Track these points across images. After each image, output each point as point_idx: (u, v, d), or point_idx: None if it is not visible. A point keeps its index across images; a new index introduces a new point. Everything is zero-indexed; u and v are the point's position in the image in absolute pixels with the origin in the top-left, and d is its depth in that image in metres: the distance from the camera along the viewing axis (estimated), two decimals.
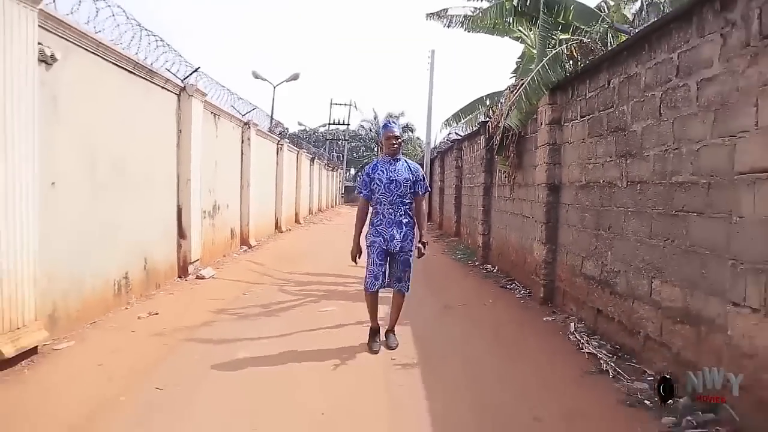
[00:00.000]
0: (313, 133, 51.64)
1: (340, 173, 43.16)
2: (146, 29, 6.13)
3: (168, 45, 6.86)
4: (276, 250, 11.67)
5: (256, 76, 19.25)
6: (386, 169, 4.67)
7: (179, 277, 7.52)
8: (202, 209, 8.41)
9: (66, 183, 4.77)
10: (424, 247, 4.74)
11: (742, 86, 3.09)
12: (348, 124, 45.60)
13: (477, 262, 10.45)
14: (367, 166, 4.87)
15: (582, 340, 5.04)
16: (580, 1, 7.61)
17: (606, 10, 7.46)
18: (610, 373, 4.17)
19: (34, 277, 4.13)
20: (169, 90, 7.21)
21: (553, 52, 6.33)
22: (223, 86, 9.57)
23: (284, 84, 22.67)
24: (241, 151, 11.23)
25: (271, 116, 15.47)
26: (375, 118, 51.06)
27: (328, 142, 45.91)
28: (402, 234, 4.63)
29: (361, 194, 4.78)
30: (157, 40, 6.53)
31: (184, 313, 5.77)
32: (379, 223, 4.69)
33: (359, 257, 4.74)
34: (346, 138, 47.19)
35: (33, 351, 4.09)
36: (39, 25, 4.16)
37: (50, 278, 4.50)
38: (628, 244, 4.69)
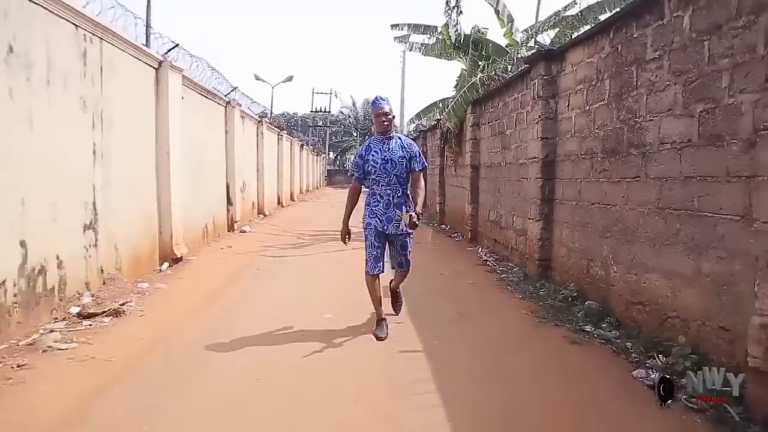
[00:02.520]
0: (298, 119, 54.93)
1: (324, 157, 46.57)
2: (215, 69, 9.64)
3: (219, 73, 10.36)
4: (284, 218, 15.29)
5: (257, 78, 22.62)
6: (380, 149, 4.43)
7: (229, 230, 11.08)
8: (238, 186, 11.97)
9: (183, 169, 8.28)
10: (418, 218, 4.24)
11: (530, 119, 6.79)
12: (329, 111, 48.97)
13: (435, 223, 14.14)
14: (360, 147, 4.67)
15: (484, 256, 8.77)
16: (495, 41, 11.30)
17: (510, 50, 11.09)
18: (490, 265, 7.90)
19: (175, 222, 7.64)
20: (220, 104, 10.71)
21: (472, 80, 9.99)
22: (248, 97, 13.08)
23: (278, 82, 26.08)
24: (257, 142, 14.75)
25: (271, 111, 18.87)
26: (353, 105, 54.46)
27: (310, 128, 49.22)
28: (400, 214, 4.32)
29: (354, 176, 4.55)
30: (217, 76, 10.04)
31: (247, 246, 9.39)
32: (375, 203, 4.45)
33: (348, 239, 4.55)
34: (328, 124, 50.50)
35: (180, 259, 7.63)
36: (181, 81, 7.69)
37: (181, 221, 8.04)
38: (505, 198, 8.40)
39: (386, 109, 4.43)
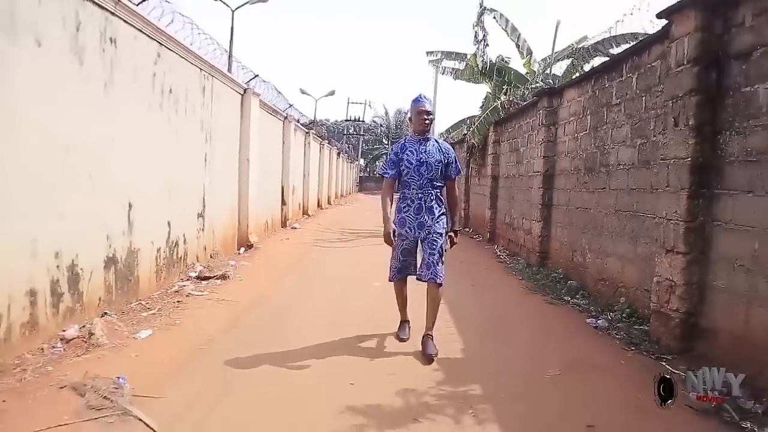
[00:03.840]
0: (330, 126, 57.12)
1: (357, 165, 48.60)
2: (280, 92, 11.59)
3: (282, 94, 12.30)
4: (326, 218, 17.20)
5: (303, 92, 24.74)
6: (416, 149, 4.20)
7: (282, 227, 12.99)
8: (290, 189, 13.90)
9: (255, 173, 10.19)
10: (456, 235, 4.30)
11: (536, 140, 8.51)
12: (363, 120, 50.97)
13: (460, 226, 15.86)
14: (395, 145, 4.45)
15: (499, 252, 10.47)
16: (517, 69, 13.02)
17: (529, 78, 12.78)
18: (503, 259, 9.60)
19: (249, 216, 9.52)
20: (279, 119, 12.66)
21: (495, 104, 11.73)
22: (299, 111, 15.02)
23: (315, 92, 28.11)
24: (304, 151, 16.69)
25: (315, 122, 20.84)
26: (386, 114, 56.49)
27: (344, 136, 51.31)
28: (433, 219, 4.17)
29: (387, 175, 4.27)
30: (278, 95, 11.99)
31: (300, 239, 11.28)
32: (406, 209, 4.23)
33: (395, 237, 4.20)
34: (361, 133, 52.51)
35: (252, 246, 9.50)
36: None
37: (251, 219, 9.92)
38: (518, 204, 10.10)
39: (428, 107, 4.23)
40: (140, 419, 2.77)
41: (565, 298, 6.33)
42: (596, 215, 6.40)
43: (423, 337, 4.21)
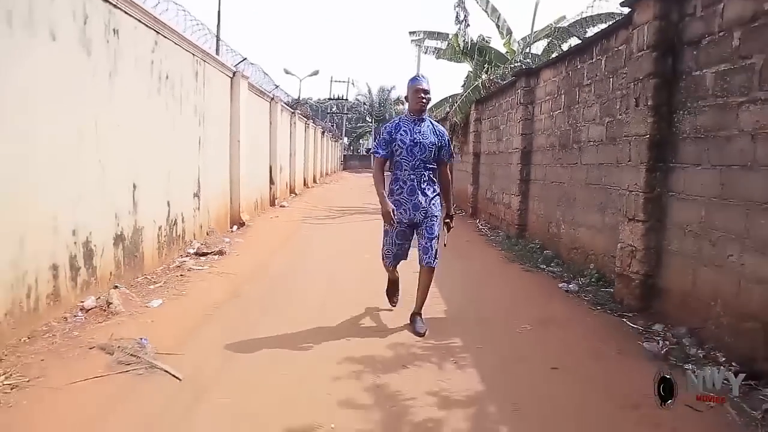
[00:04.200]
0: (314, 104, 57.08)
1: (341, 143, 48.76)
2: (267, 74, 11.84)
3: (269, 76, 12.54)
4: (313, 196, 17.56)
5: (287, 72, 24.89)
6: (410, 129, 4.13)
7: (271, 205, 13.34)
8: (278, 168, 14.22)
9: (245, 154, 10.50)
10: (452, 220, 4.39)
11: (515, 118, 8.94)
12: (346, 99, 51.06)
13: None
14: (388, 124, 4.31)
15: (480, 226, 10.95)
16: (497, 49, 13.37)
17: (509, 57, 13.15)
18: (484, 232, 10.09)
19: (241, 195, 9.88)
20: (266, 100, 12.92)
21: (476, 83, 12.10)
22: (285, 92, 15.27)
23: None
24: (290, 131, 16.96)
25: (299, 101, 21.05)
26: (369, 92, 56.42)
27: (328, 114, 51.36)
28: (427, 201, 4.13)
29: (377, 154, 4.20)
30: (265, 77, 12.24)
31: (289, 217, 11.67)
32: (398, 190, 4.15)
33: (395, 215, 4.08)
34: (345, 111, 52.58)
35: (243, 223, 9.88)
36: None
37: (242, 198, 10.27)
38: (498, 180, 10.55)
39: (425, 86, 4.14)
40: (166, 371, 3.19)
41: (541, 266, 6.82)
42: (569, 189, 6.87)
43: (412, 315, 4.29)
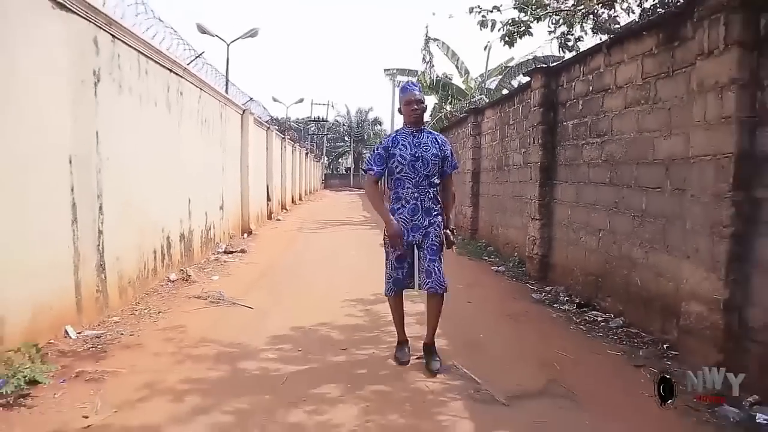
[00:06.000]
0: (292, 124, 59.52)
1: (322, 162, 51.11)
2: (265, 108, 14.15)
3: (267, 110, 14.85)
4: (302, 212, 19.84)
5: (275, 99, 27.30)
6: (409, 143, 3.75)
7: (268, 218, 15.58)
8: (273, 187, 16.49)
9: (251, 175, 12.74)
10: (453, 233, 3.93)
11: (467, 145, 11.39)
12: (326, 121, 53.54)
13: None
14: (384, 139, 3.99)
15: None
16: (458, 85, 15.93)
17: (467, 92, 15.69)
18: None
19: (249, 209, 12.10)
20: (263, 129, 15.23)
21: (440, 114, 14.59)
22: (276, 120, 17.56)
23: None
24: (281, 154, 19.24)
25: (288, 126, 23.38)
26: (348, 113, 59.07)
27: (309, 135, 53.75)
28: (428, 222, 3.76)
29: (371, 171, 3.81)
30: (263, 110, 14.55)
31: (287, 227, 13.92)
32: (400, 210, 3.76)
33: (401, 241, 3.71)
34: (324, 132, 55.03)
35: (251, 232, 12.10)
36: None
37: (249, 212, 12.50)
38: (457, 195, 12.95)
39: (419, 96, 3.82)
40: (243, 305, 5.47)
41: (484, 257, 9.21)
42: (503, 200, 9.30)
43: (424, 346, 3.95)
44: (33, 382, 3.24)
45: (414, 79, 17.18)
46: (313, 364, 3.91)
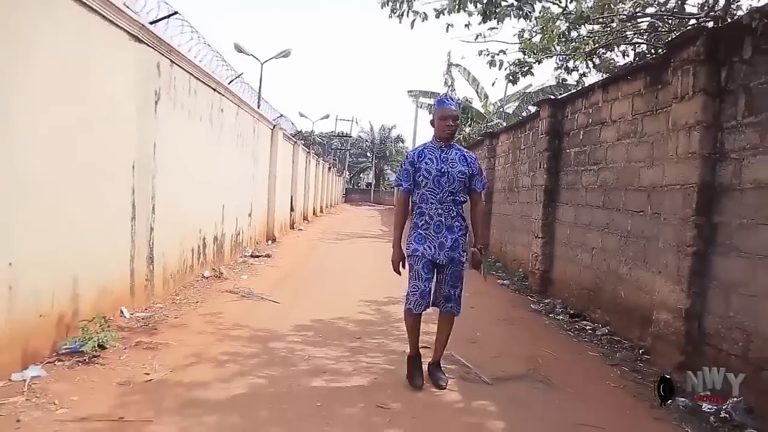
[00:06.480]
0: (316, 137, 60.75)
1: (344, 177, 52.11)
2: (293, 123, 15.00)
3: (294, 125, 15.70)
4: (322, 224, 20.62)
5: (302, 115, 28.26)
6: (436, 157, 3.69)
7: (291, 228, 16.35)
8: (296, 199, 17.30)
9: (277, 187, 13.55)
10: (481, 252, 3.86)
11: (483, 167, 12.07)
12: (350, 136, 54.63)
13: None
14: (411, 152, 3.90)
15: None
16: (478, 108, 16.64)
17: (486, 116, 16.39)
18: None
19: (275, 218, 12.88)
20: (290, 143, 16.07)
21: (459, 136, 15.27)
22: (302, 133, 18.43)
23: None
24: (305, 168, 20.09)
25: (312, 140, 24.29)
26: (371, 130, 60.18)
27: (332, 150, 54.84)
28: (452, 241, 3.68)
29: (401, 188, 3.81)
30: (291, 125, 15.40)
31: (308, 237, 14.67)
32: (424, 226, 3.70)
33: (403, 267, 3.81)
34: (348, 147, 56.09)
35: (275, 239, 12.86)
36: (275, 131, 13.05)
37: (274, 221, 13.27)
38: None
39: (455, 111, 3.78)
40: (271, 300, 6.18)
41: (492, 272, 9.81)
42: (512, 219, 9.92)
43: (429, 365, 3.92)
44: (101, 347, 3.96)
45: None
46: (331, 347, 4.59)
